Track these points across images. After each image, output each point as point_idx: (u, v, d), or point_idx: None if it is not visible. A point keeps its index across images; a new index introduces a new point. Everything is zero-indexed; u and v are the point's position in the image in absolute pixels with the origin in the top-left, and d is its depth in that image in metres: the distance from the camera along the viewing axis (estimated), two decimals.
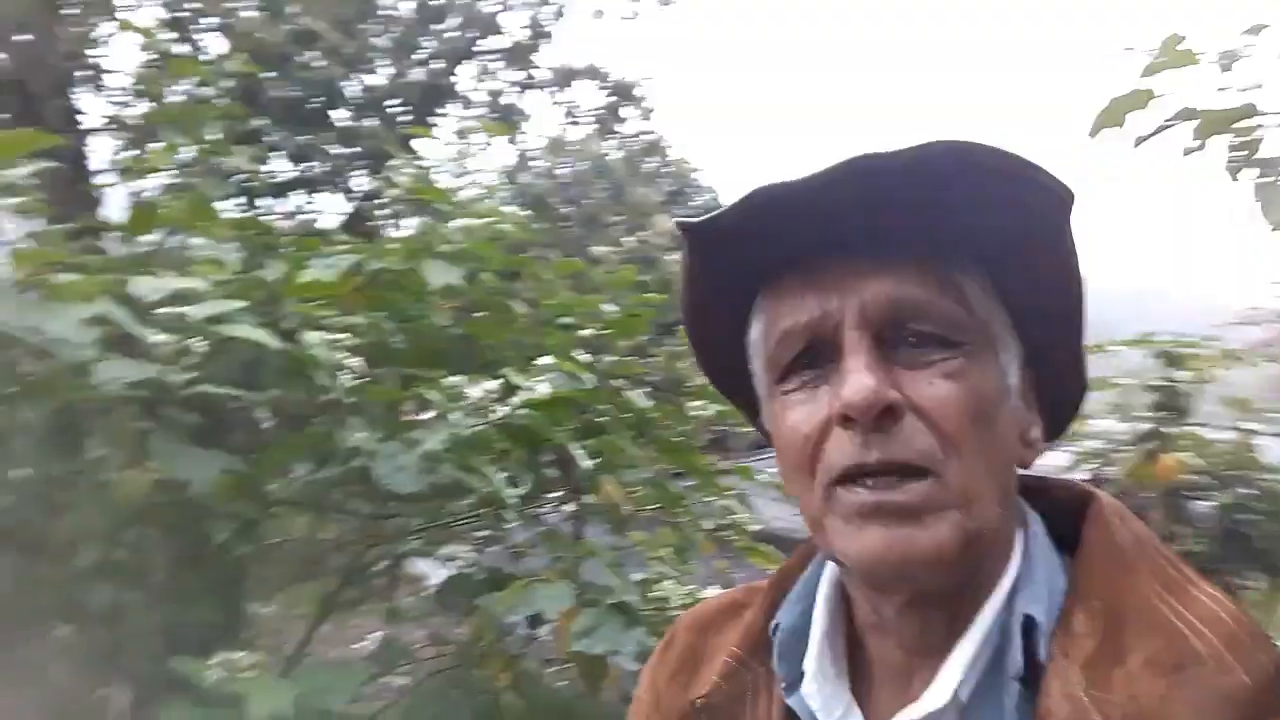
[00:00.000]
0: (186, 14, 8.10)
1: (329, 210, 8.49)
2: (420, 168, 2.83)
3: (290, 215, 8.18)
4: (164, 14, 7.83)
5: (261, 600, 3.31)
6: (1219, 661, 0.58)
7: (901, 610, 0.68)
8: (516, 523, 2.74)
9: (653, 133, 11.59)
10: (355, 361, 1.87)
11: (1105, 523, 0.69)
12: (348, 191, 8.39)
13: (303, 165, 8.46)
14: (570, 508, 2.94)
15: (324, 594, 2.88)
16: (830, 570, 0.76)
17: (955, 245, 0.67)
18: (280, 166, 8.78)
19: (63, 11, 7.03)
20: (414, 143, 3.42)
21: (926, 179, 0.61)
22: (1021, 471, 0.71)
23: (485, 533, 2.93)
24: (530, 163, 12.28)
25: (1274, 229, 1.29)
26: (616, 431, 2.64)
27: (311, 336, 1.85)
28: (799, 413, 0.67)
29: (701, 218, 0.68)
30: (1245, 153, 1.33)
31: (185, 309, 1.63)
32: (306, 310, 2.03)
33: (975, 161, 0.61)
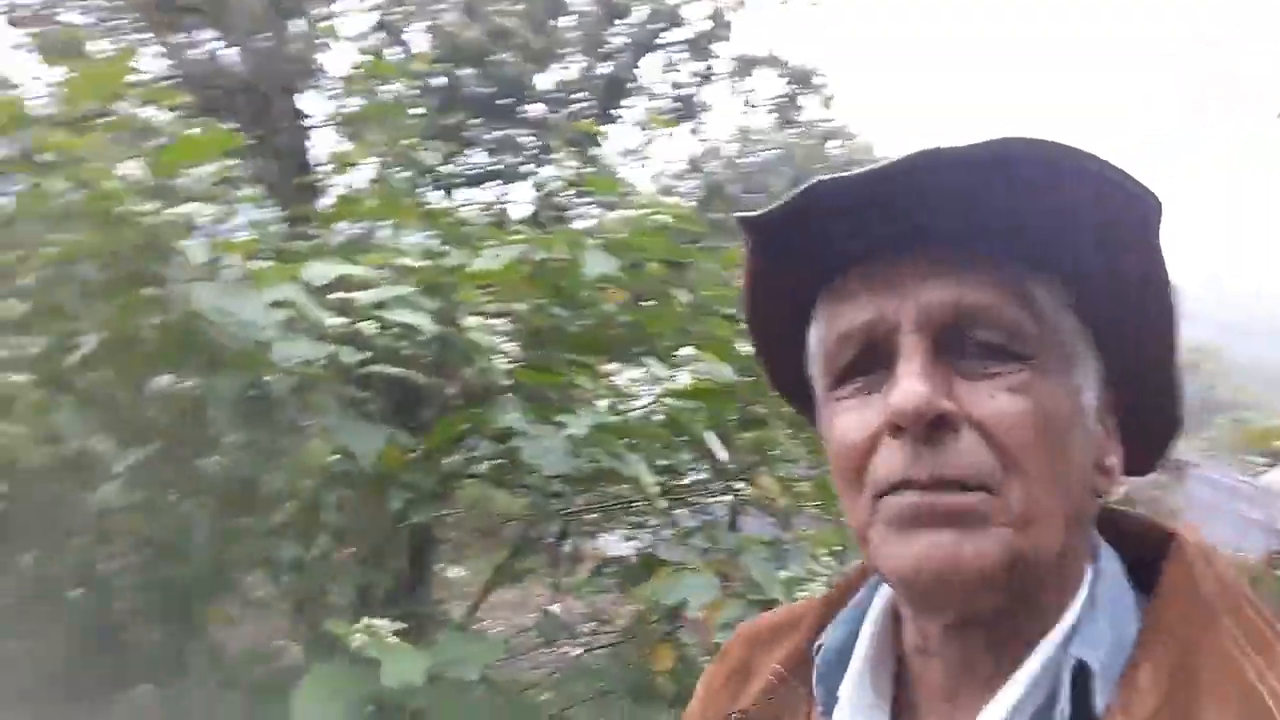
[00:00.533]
0: (397, 15, 8.70)
1: (521, 200, 8.90)
2: (590, 159, 2.92)
3: (488, 205, 8.62)
4: (375, 18, 8.44)
5: (451, 560, 3.56)
6: None
7: (947, 634, 0.64)
8: (671, 509, 2.79)
9: (832, 120, 11.33)
10: (511, 346, 1.96)
11: (1188, 565, 0.62)
12: (537, 182, 8.75)
13: (497, 157, 8.89)
14: (728, 499, 2.96)
15: (496, 563, 3.05)
16: (884, 592, 0.72)
17: (1029, 250, 0.61)
18: (479, 159, 9.28)
19: (291, 18, 7.72)
20: (601, 133, 3.51)
21: (998, 178, 0.57)
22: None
23: (643, 518, 2.99)
24: (714, 152, 12.33)
25: None
26: (773, 425, 2.63)
27: (470, 321, 1.96)
28: (849, 419, 0.63)
29: (759, 213, 0.64)
30: None
31: (356, 294, 1.77)
32: (471, 297, 2.15)
33: (1054, 162, 0.56)
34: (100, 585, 2.25)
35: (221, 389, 1.76)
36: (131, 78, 2.19)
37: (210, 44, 7.25)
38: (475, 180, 9.12)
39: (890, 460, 0.60)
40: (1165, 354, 0.66)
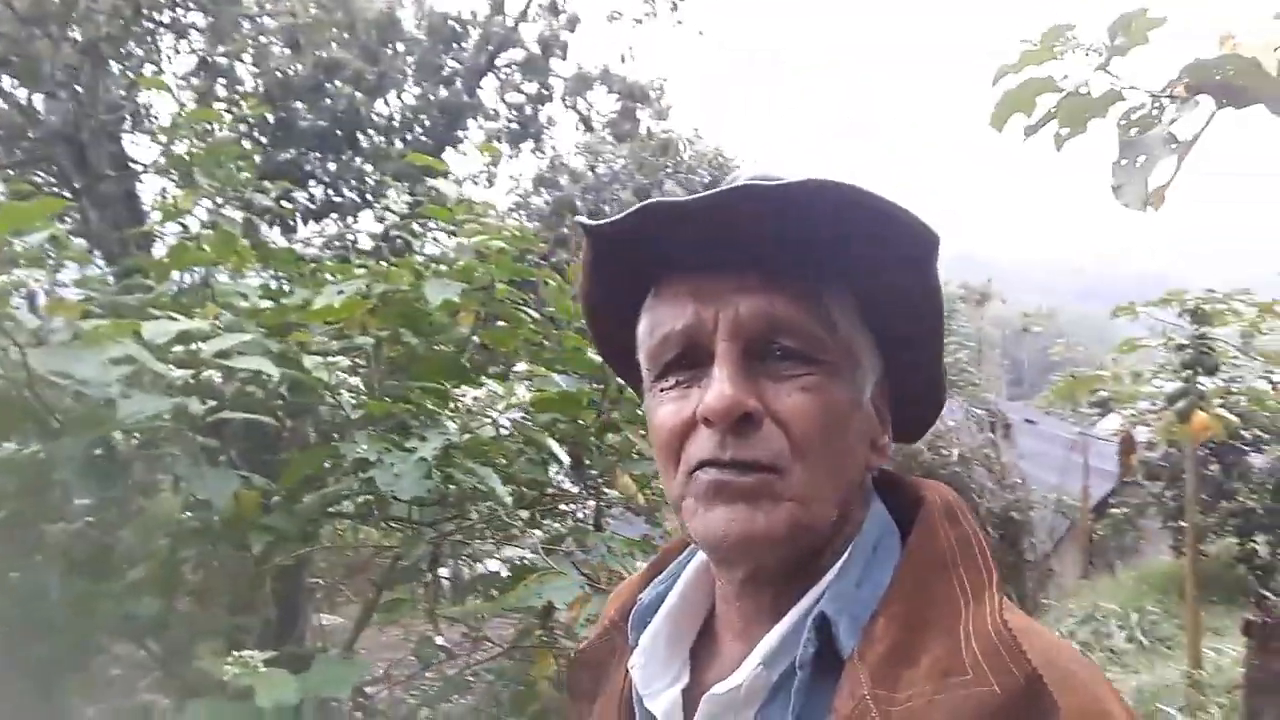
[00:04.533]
0: (221, 55, 8.43)
1: (365, 232, 8.77)
2: (430, 188, 2.98)
3: (330, 240, 8.45)
4: (195, 59, 8.16)
5: (326, 607, 3.51)
6: (977, 671, 0.63)
7: (743, 586, 0.76)
8: (540, 520, 2.89)
9: (671, 131, 11.67)
10: (355, 380, 2.01)
11: (929, 527, 0.74)
12: (382, 213, 8.64)
13: (336, 190, 8.74)
14: (592, 503, 3.07)
15: (366, 599, 3.05)
16: (700, 555, 0.84)
17: (825, 271, 0.73)
18: (317, 193, 9.09)
19: (111, 64, 7.37)
20: (438, 164, 3.57)
21: (803, 211, 0.68)
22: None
23: (513, 532, 3.05)
24: (562, 168, 12.46)
25: (1126, 207, 1.35)
26: (628, 428, 2.76)
27: (309, 361, 2.00)
28: (669, 409, 0.75)
29: (599, 222, 0.76)
30: (1133, 130, 1.39)
31: (199, 345, 1.79)
32: (308, 336, 2.18)
33: (849, 201, 0.68)
34: None
35: (66, 452, 1.75)
36: None
37: (21, 95, 6.85)
38: (315, 215, 8.93)
39: (701, 444, 0.72)
40: (935, 351, 0.81)
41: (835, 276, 0.74)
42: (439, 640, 3.45)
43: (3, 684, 2.32)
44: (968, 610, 0.68)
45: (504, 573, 2.96)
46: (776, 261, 0.72)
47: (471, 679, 3.09)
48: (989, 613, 0.67)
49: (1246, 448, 8.97)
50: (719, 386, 0.70)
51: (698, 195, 0.70)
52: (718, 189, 0.71)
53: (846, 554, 0.74)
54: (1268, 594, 4.44)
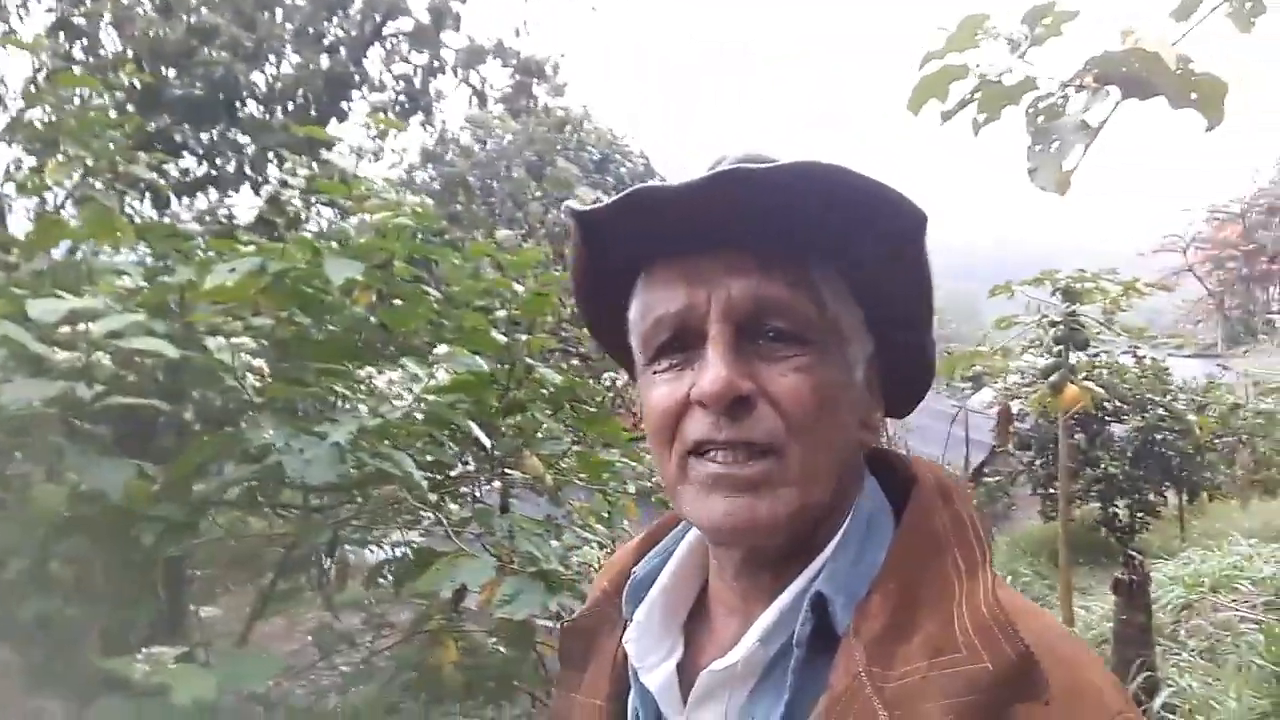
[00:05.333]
0: (79, 15, 7.86)
1: (244, 206, 8.37)
2: (321, 162, 2.87)
3: (205, 214, 8.03)
4: (52, 19, 7.59)
5: (204, 599, 3.36)
6: (970, 648, 0.64)
7: (740, 566, 0.77)
8: (442, 503, 2.83)
9: (565, 109, 11.55)
10: (259, 362, 1.93)
11: (923, 506, 0.75)
12: (261, 186, 8.25)
13: (212, 162, 8.30)
14: (497, 484, 3.03)
15: (260, 589, 2.94)
16: (694, 530, 0.85)
17: (816, 252, 0.74)
18: (191, 164, 8.61)
19: None
20: (326, 137, 3.42)
21: (794, 195, 0.69)
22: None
23: (415, 516, 3.00)
24: (451, 143, 12.17)
25: (1042, 189, 1.43)
26: (534, 408, 2.74)
27: (212, 342, 1.90)
28: (663, 390, 0.75)
29: (586, 208, 0.76)
30: (1040, 118, 1.46)
31: (89, 324, 1.67)
32: (208, 317, 2.07)
33: (839, 183, 0.69)
34: None
35: None
36: None
37: None
38: (189, 189, 8.46)
39: (697, 426, 0.72)
40: (924, 328, 0.82)
41: (824, 256, 0.75)
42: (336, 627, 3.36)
43: None
44: (961, 588, 0.69)
45: (407, 557, 2.90)
46: (766, 243, 0.73)
47: (374, 665, 3.02)
48: (982, 591, 0.68)
49: (1108, 419, 9.60)
50: (713, 369, 0.71)
51: (687, 180, 0.70)
52: (706, 173, 0.71)
53: (841, 532, 0.75)
54: (1134, 553, 4.75)
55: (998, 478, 11.42)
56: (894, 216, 0.72)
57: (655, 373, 0.77)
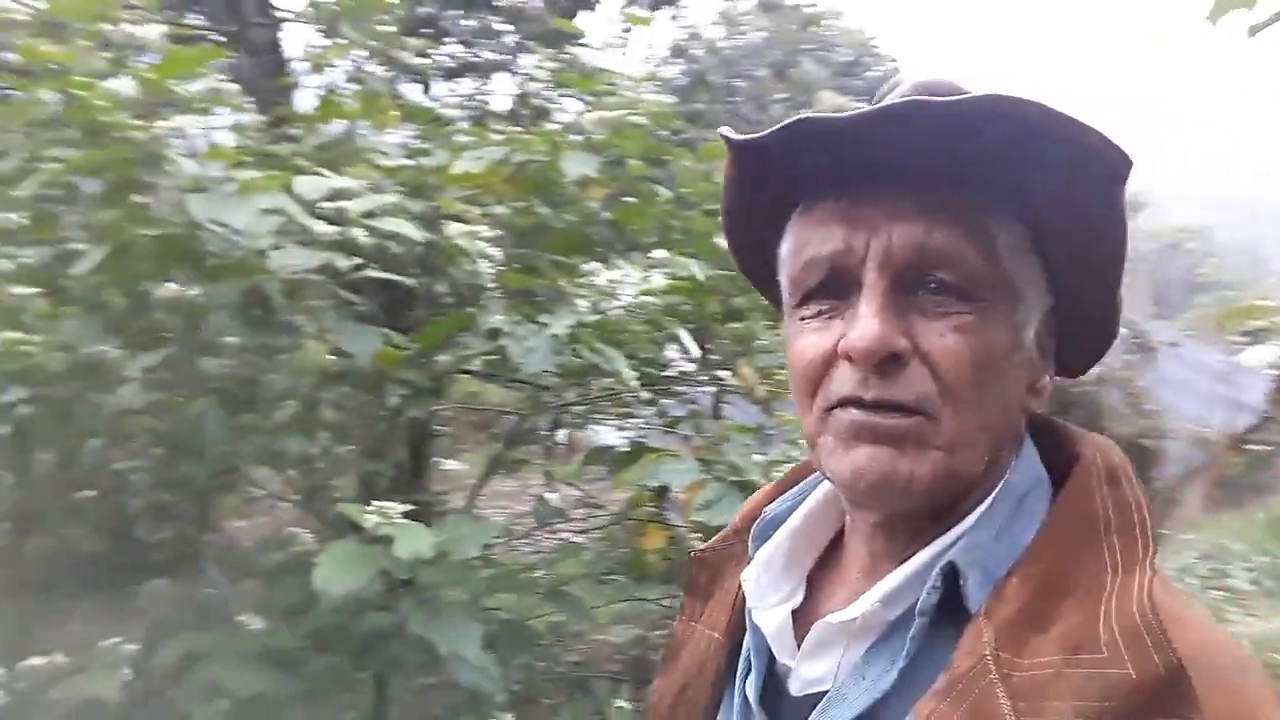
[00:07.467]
0: None
1: (500, 93, 8.70)
2: (568, 55, 2.92)
3: (467, 98, 8.44)
4: None
5: (448, 454, 3.72)
6: (1113, 650, 0.58)
7: (874, 528, 0.73)
8: (657, 400, 2.92)
9: (815, 5, 11.01)
10: (495, 250, 2.03)
11: (1084, 487, 0.68)
12: (515, 75, 8.54)
13: (474, 49, 8.67)
14: (712, 389, 3.08)
15: (491, 454, 3.19)
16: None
17: (996, 197, 0.66)
18: (455, 50, 9.04)
19: None
20: (578, 31, 3.46)
21: (975, 131, 0.62)
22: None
23: (632, 409, 3.11)
24: (697, 38, 12.02)
25: None
26: (752, 317, 2.73)
27: (453, 228, 2.02)
28: (809, 339, 0.70)
29: (745, 136, 0.71)
30: None
31: (346, 203, 1.82)
32: (449, 203, 2.20)
33: (1031, 120, 0.61)
34: (117, 484, 2.37)
35: (221, 295, 1.84)
36: None
37: None
38: (452, 74, 8.91)
39: (843, 380, 0.67)
40: (1113, 282, 0.72)
41: (1005, 202, 0.67)
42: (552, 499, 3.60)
43: (161, 499, 2.56)
44: (1114, 582, 0.62)
45: (623, 447, 3.03)
46: (939, 186, 0.66)
47: (589, 545, 3.22)
48: (1137, 589, 0.61)
49: None
50: (865, 323, 0.65)
51: (857, 111, 0.63)
52: (878, 105, 0.64)
53: (988, 502, 0.69)
54: None
55: (1270, 446, 10.20)
56: (1096, 164, 0.63)
57: (802, 318, 0.71)
